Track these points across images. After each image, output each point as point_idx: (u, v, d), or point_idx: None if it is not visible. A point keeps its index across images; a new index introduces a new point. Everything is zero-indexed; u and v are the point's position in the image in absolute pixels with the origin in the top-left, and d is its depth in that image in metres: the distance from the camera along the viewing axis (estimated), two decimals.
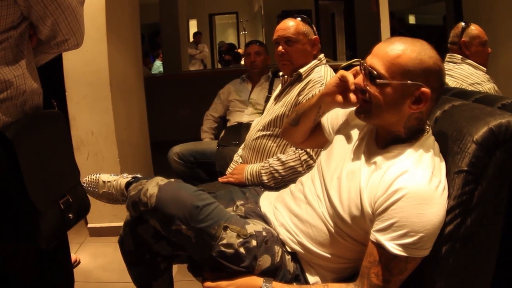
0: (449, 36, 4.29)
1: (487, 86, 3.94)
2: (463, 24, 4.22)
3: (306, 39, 3.54)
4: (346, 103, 2.23)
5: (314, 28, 3.63)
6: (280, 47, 3.55)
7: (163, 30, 11.06)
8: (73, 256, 4.40)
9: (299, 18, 3.59)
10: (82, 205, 2.21)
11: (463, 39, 4.11)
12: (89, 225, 5.05)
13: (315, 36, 3.57)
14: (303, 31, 3.55)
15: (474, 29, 4.15)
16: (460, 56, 4.12)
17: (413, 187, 1.85)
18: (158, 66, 12.30)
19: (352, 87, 2.15)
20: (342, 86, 2.24)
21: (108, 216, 4.97)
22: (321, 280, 2.23)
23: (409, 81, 1.93)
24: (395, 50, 1.96)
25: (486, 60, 4.18)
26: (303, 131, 2.64)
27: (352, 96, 2.16)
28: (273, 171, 3.33)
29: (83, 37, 2.18)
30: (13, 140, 1.78)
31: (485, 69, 4.10)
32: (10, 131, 1.80)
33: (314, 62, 3.54)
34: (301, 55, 3.54)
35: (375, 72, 1.97)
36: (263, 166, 3.41)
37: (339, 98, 2.26)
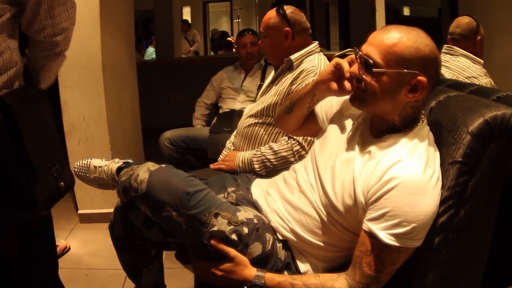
0: (447, 27, 4.28)
1: (483, 80, 3.94)
2: (473, 19, 4.21)
3: (276, 32, 3.55)
4: (341, 91, 2.21)
5: (293, 15, 3.59)
6: (260, 41, 3.66)
7: (157, 17, 11.01)
8: (63, 243, 4.42)
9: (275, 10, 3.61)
10: (68, 177, 2.28)
11: (478, 36, 4.13)
12: (79, 211, 5.05)
13: (286, 28, 3.53)
14: (272, 25, 3.56)
15: (481, 27, 4.19)
16: (460, 49, 4.11)
17: (407, 176, 1.84)
18: (151, 52, 12.29)
19: (347, 75, 2.13)
20: (337, 74, 2.22)
21: (99, 202, 4.96)
22: (312, 268, 2.22)
23: (405, 70, 1.91)
24: (391, 38, 1.94)
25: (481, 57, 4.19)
26: (297, 118, 2.61)
27: (347, 84, 2.14)
28: (265, 160, 3.32)
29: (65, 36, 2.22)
30: (12, 106, 1.86)
31: (483, 62, 4.09)
32: (9, 98, 1.88)
33: (306, 50, 3.51)
34: (272, 49, 3.61)
35: (371, 61, 1.95)
36: (255, 154, 3.39)
37: (334, 86, 2.23)
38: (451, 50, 4.15)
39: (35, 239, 2.26)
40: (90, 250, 4.45)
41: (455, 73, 3.97)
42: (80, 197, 5.01)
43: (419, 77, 1.91)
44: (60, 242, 4.37)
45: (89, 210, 5.02)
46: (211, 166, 3.66)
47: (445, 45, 4.21)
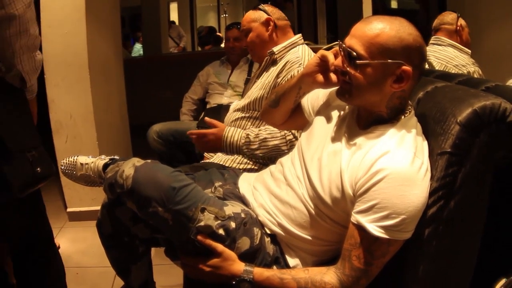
0: (433, 20, 4.33)
1: (471, 69, 3.98)
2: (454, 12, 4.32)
3: (257, 23, 3.55)
4: (327, 83, 2.20)
5: (271, 9, 3.61)
6: (242, 41, 3.60)
7: (144, 13, 11.00)
8: None
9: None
10: (47, 164, 2.33)
11: (459, 23, 4.18)
12: (68, 210, 5.05)
13: (266, 17, 3.54)
14: (252, 18, 3.57)
15: (462, 19, 4.27)
16: (447, 39, 4.16)
17: (395, 168, 1.83)
18: (138, 49, 12.30)
19: (332, 68, 2.12)
20: (322, 66, 2.21)
21: (87, 200, 4.97)
22: (301, 262, 2.20)
23: (389, 60, 1.90)
24: (373, 29, 1.93)
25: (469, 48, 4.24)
26: (283, 112, 2.59)
27: (333, 76, 2.14)
28: (259, 142, 3.26)
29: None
30: None
31: (470, 51, 4.13)
32: None
33: (289, 41, 3.51)
34: (257, 41, 3.56)
35: (354, 53, 1.94)
36: (250, 132, 3.33)
37: (320, 78, 2.22)
38: (439, 41, 4.20)
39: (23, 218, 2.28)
40: (80, 248, 4.45)
41: (444, 62, 4.02)
42: (68, 195, 5.01)
43: (404, 67, 1.90)
44: None
45: (78, 208, 5.02)
46: (190, 133, 3.54)
47: (432, 37, 4.26)
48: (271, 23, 3.52)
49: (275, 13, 3.58)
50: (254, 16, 3.55)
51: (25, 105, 2.26)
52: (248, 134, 3.32)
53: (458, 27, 4.17)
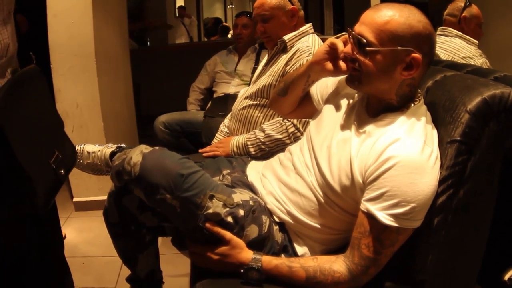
0: (433, 10, 4.29)
1: (479, 61, 3.95)
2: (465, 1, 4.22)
3: (282, 12, 3.49)
4: (336, 71, 2.19)
5: None
6: (259, 25, 3.52)
7: (150, 3, 10.96)
8: None
9: None
10: (69, 156, 2.20)
11: (464, 14, 4.12)
12: (74, 199, 5.03)
13: (291, 6, 3.50)
14: (276, 4, 3.50)
15: (474, 8, 4.18)
16: (454, 30, 4.11)
17: (405, 155, 1.82)
18: None
19: (342, 55, 2.11)
20: (332, 54, 2.20)
21: (93, 189, 4.96)
22: (310, 251, 2.20)
23: (399, 47, 1.89)
24: (383, 16, 1.92)
25: (478, 41, 4.18)
26: (292, 101, 2.58)
27: (342, 64, 2.12)
28: (259, 143, 3.28)
29: None
30: None
31: (477, 42, 4.08)
32: None
33: (299, 30, 3.49)
34: (279, 29, 3.51)
35: (364, 40, 1.93)
36: (249, 138, 3.34)
37: (329, 66, 2.21)
38: (446, 31, 4.16)
39: (40, 224, 2.23)
40: (86, 238, 4.43)
41: (450, 54, 3.98)
42: (75, 184, 5.00)
43: (414, 54, 1.89)
44: None
45: (84, 198, 5.01)
46: (202, 152, 3.55)
47: (439, 27, 4.21)
48: (297, 14, 3.50)
49: (296, 2, 3.55)
50: (278, 3, 3.49)
51: (46, 90, 2.12)
52: (250, 134, 3.35)
53: (461, 18, 4.12)
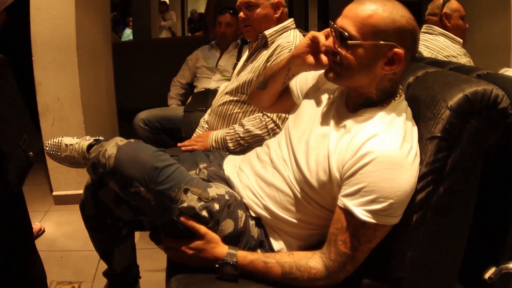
0: (426, 9, 4.28)
1: (462, 60, 3.95)
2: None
3: (268, 3, 3.45)
4: (317, 64, 2.18)
5: None
6: (241, 13, 3.47)
7: None
8: (38, 225, 4.40)
9: None
10: (36, 141, 2.29)
11: (444, 10, 4.10)
12: (54, 193, 5.03)
13: (278, 0, 3.47)
14: None
15: (454, 2, 4.17)
16: (438, 28, 4.10)
17: (383, 151, 1.80)
18: (128, 34, 12.32)
19: (323, 48, 2.09)
20: (313, 47, 2.19)
21: (73, 183, 4.97)
22: (286, 246, 2.18)
23: (381, 42, 1.87)
24: (366, 10, 1.90)
25: (463, 35, 4.18)
26: (271, 94, 2.56)
27: (324, 58, 2.10)
28: (238, 138, 3.27)
29: None
30: None
31: (462, 41, 4.08)
32: None
33: (281, 25, 3.46)
34: (262, 20, 3.46)
35: (346, 33, 1.91)
36: (228, 133, 3.33)
37: (310, 59, 2.20)
38: (430, 29, 4.15)
39: (6, 211, 2.22)
40: (65, 232, 4.44)
41: (434, 52, 3.98)
42: (54, 178, 4.99)
43: (396, 49, 1.88)
44: (35, 225, 4.35)
45: (64, 192, 5.01)
46: (181, 146, 3.57)
47: (424, 25, 4.20)
48: (281, 7, 3.47)
49: None
50: None
51: (11, 78, 2.19)
52: (229, 128, 3.34)
53: (442, 15, 4.11)
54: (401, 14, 1.89)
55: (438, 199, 1.88)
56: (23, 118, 2.22)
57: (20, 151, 2.09)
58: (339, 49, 1.94)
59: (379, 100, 2.00)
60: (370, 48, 1.89)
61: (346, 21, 1.93)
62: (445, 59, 3.89)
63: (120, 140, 2.18)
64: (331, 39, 2.01)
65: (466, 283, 2.24)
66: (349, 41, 1.90)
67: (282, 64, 2.38)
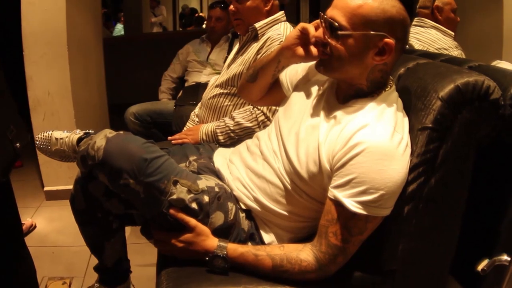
0: (417, 1, 4.27)
1: (454, 52, 3.95)
2: None
3: None
4: (307, 56, 2.17)
5: None
6: (231, 6, 3.45)
7: None
8: (29, 221, 4.40)
9: None
10: (24, 134, 2.31)
11: (435, 3, 4.10)
12: (45, 188, 5.03)
13: None
14: None
15: None
16: (430, 21, 4.10)
17: (374, 141, 1.79)
18: (119, 29, 12.34)
19: (313, 40, 2.08)
20: (303, 39, 2.17)
21: (64, 178, 4.95)
22: (277, 239, 2.17)
23: (372, 32, 1.86)
24: (356, 0, 1.89)
25: (455, 28, 4.18)
26: (261, 87, 2.55)
27: (314, 49, 2.10)
28: (229, 131, 3.26)
29: None
30: None
31: (453, 34, 4.07)
32: None
33: (271, 18, 3.44)
34: (252, 13, 3.43)
35: (336, 24, 1.90)
36: (218, 126, 3.32)
37: (300, 51, 2.19)
38: (421, 22, 4.15)
39: None
40: (56, 227, 4.43)
41: (425, 45, 3.98)
42: (45, 174, 4.99)
43: (387, 39, 1.87)
44: (26, 220, 4.36)
45: (55, 187, 5.00)
46: (171, 139, 3.56)
47: (415, 18, 4.20)
48: (271, 0, 3.44)
49: None
50: None
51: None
52: (220, 121, 3.33)
53: (433, 8, 4.11)
54: (391, 4, 1.88)
55: (429, 191, 1.88)
56: (11, 110, 2.23)
57: (6, 141, 2.11)
58: (329, 40, 1.94)
59: (370, 91, 1.99)
60: (360, 39, 1.88)
61: (336, 12, 1.91)
62: (437, 51, 3.88)
63: (109, 132, 2.17)
64: (321, 30, 2.00)
65: (459, 276, 2.24)
66: (339, 32, 1.89)
67: (272, 56, 2.37)
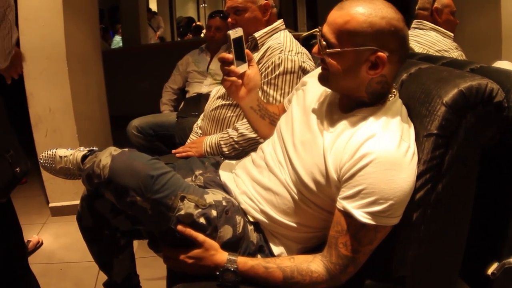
0: (415, 3, 4.27)
1: (454, 53, 3.93)
2: None
3: (255, 6, 3.42)
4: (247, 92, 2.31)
5: None
6: (229, 19, 3.46)
7: (123, 4, 10.92)
8: (35, 238, 4.38)
9: None
10: (24, 162, 2.31)
11: (435, 5, 4.08)
12: (50, 205, 5.01)
13: (265, 1, 3.43)
14: None
15: None
16: (429, 23, 4.09)
17: (382, 151, 1.79)
18: (117, 41, 12.26)
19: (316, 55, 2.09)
20: (233, 81, 2.26)
21: (69, 194, 4.94)
22: (286, 250, 2.16)
23: (360, 47, 1.87)
24: (344, 16, 1.89)
25: (453, 30, 4.16)
26: (266, 126, 2.57)
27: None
28: (233, 143, 3.25)
29: None
30: None
31: (453, 35, 4.06)
32: None
33: (270, 27, 3.44)
34: (251, 24, 3.43)
35: (324, 43, 1.92)
36: (222, 137, 3.31)
37: (243, 91, 2.30)
38: (420, 25, 4.13)
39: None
40: (63, 243, 4.42)
41: (425, 47, 3.96)
42: (50, 190, 4.98)
43: (379, 53, 1.86)
44: (33, 237, 4.35)
45: (60, 203, 4.99)
46: (175, 152, 3.54)
47: (414, 20, 4.19)
48: (269, 9, 3.44)
49: None
50: None
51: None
52: (223, 133, 3.33)
53: (433, 10, 4.09)
54: (380, 16, 1.87)
55: (437, 196, 1.87)
56: (11, 137, 2.24)
57: (5, 163, 2.12)
58: (324, 56, 1.96)
59: (372, 102, 1.99)
60: (350, 55, 1.90)
61: (327, 29, 1.94)
62: (437, 53, 3.89)
63: (114, 150, 2.16)
64: (317, 46, 2.01)
65: (469, 279, 2.23)
66: (327, 50, 1.92)
67: (242, 113, 2.41)
